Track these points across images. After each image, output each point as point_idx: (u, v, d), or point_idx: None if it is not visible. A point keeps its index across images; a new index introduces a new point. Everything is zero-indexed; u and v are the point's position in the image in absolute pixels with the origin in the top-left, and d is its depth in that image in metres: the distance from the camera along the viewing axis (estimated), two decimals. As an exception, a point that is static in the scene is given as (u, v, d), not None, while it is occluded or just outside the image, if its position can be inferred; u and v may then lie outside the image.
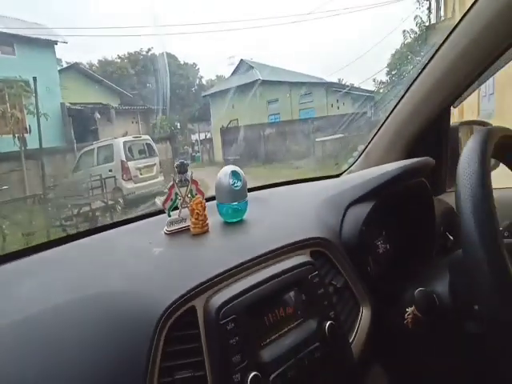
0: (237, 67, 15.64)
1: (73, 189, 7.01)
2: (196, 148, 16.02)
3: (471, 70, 0.91)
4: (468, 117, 4.62)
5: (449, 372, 0.67)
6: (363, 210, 0.77)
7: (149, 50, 21.07)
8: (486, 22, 0.81)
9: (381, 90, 12.46)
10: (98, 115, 9.87)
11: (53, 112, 8.67)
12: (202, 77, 24.77)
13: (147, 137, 8.43)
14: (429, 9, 10.90)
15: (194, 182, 0.76)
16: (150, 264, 0.62)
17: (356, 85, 14.22)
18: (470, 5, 0.84)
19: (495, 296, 0.42)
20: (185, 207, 0.75)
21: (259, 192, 1.08)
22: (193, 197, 0.76)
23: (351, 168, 1.18)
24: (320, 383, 0.58)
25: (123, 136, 8.09)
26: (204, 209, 0.73)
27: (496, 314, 0.43)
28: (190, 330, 0.49)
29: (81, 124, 9.71)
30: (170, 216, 0.74)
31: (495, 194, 0.47)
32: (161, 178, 7.96)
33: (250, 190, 1.00)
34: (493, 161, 0.66)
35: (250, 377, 0.47)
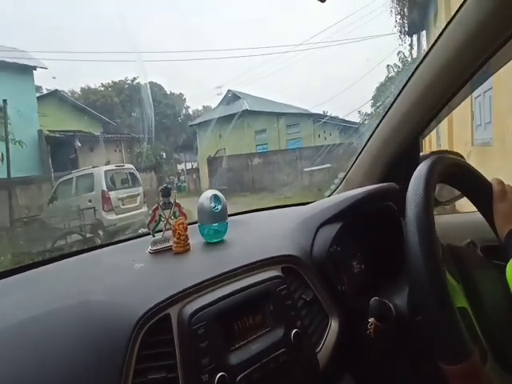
0: (224, 97, 15.68)
1: (47, 221, 6.43)
2: (182, 178, 15.71)
3: (434, 104, 0.95)
4: (460, 147, 4.54)
5: (411, 378, 0.70)
6: (331, 230, 0.83)
7: (134, 78, 21.20)
8: (447, 57, 0.85)
9: (366, 122, 12.65)
10: (78, 143, 9.41)
11: (29, 139, 8.17)
12: (188, 107, 25.01)
13: (130, 166, 7.98)
14: (410, 45, 11.28)
15: (177, 204, 0.81)
16: (129, 278, 0.67)
17: (341, 117, 14.43)
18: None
19: (432, 301, 0.46)
20: (168, 228, 0.79)
21: (240, 216, 1.17)
22: (176, 218, 0.80)
23: (333, 194, 1.24)
24: None
25: (106, 165, 7.65)
26: (186, 229, 0.77)
27: (431, 316, 0.47)
28: (165, 335, 0.54)
29: (60, 152, 9.18)
30: (154, 236, 0.79)
31: (461, 217, 0.72)
32: (145, 209, 7.45)
33: (233, 214, 1.11)
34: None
35: (217, 377, 0.51)
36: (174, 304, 0.56)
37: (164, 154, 16.69)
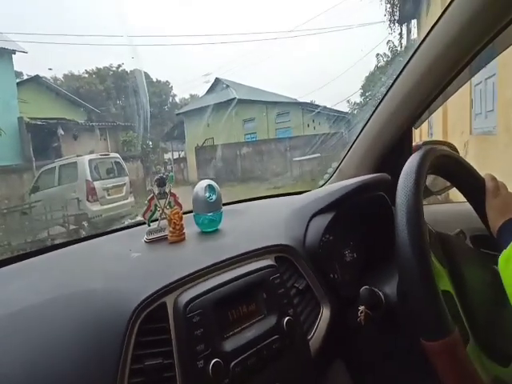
0: (212, 85, 15.40)
1: (29, 212, 6.21)
2: (169, 167, 15.46)
3: (426, 96, 0.95)
4: (455, 136, 4.50)
5: (401, 366, 0.71)
6: (324, 220, 0.84)
7: (119, 65, 20.64)
8: (440, 47, 0.85)
9: (355, 111, 12.61)
10: (61, 131, 9.09)
11: (9, 127, 7.84)
12: (175, 95, 24.56)
13: (116, 155, 7.74)
14: (400, 34, 11.21)
15: (173, 194, 0.81)
16: (127, 266, 0.68)
17: (329, 106, 14.36)
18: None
19: (415, 276, 0.48)
20: (163, 218, 0.80)
21: (235, 205, 1.17)
22: (171, 208, 0.81)
23: (326, 184, 1.24)
24: (277, 372, 0.62)
25: (90, 154, 7.40)
26: (181, 219, 0.79)
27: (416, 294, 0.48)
28: (161, 323, 0.55)
29: (41, 140, 8.85)
30: (149, 226, 0.80)
31: (452, 206, 0.76)
32: (131, 199, 7.29)
33: (227, 203, 1.11)
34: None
35: (212, 363, 0.53)
36: (170, 293, 0.58)
37: (150, 143, 16.40)
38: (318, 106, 13.85)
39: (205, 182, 0.84)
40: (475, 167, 0.73)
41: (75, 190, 6.41)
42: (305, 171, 10.84)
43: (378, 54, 11.37)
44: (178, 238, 0.78)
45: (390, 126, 1.05)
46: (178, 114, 16.84)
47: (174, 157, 15.54)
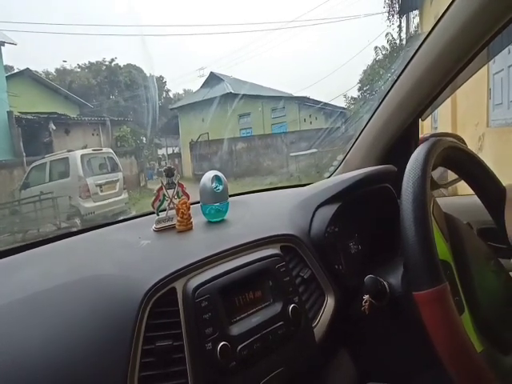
0: (206, 80, 15.18)
1: (19, 209, 6.04)
2: (163, 163, 15.27)
3: (434, 86, 0.94)
4: (468, 128, 4.31)
5: (405, 356, 0.73)
6: (329, 211, 0.85)
7: (112, 60, 20.33)
8: (449, 38, 0.84)
9: (352, 106, 12.51)
10: (52, 126, 8.86)
11: (-3, 121, 7.64)
12: (169, 90, 24.29)
13: (109, 150, 7.57)
14: (399, 26, 11.10)
15: (180, 184, 0.84)
16: (137, 253, 0.70)
17: (326, 101, 14.22)
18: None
19: (422, 272, 0.48)
20: (172, 208, 0.82)
21: (241, 196, 1.18)
22: (179, 198, 0.83)
23: (332, 176, 1.24)
24: (282, 357, 0.64)
25: (83, 149, 7.21)
26: (188, 208, 0.81)
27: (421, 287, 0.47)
28: (171, 307, 0.57)
29: (32, 135, 8.62)
30: (158, 215, 0.82)
31: (459, 199, 0.73)
32: (125, 196, 7.14)
33: (233, 195, 1.13)
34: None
35: (220, 346, 0.55)
36: (179, 278, 0.60)
37: (144, 139, 16.21)
38: (314, 100, 13.70)
39: (212, 173, 0.85)
40: (494, 162, 0.70)
41: (66, 186, 6.25)
42: (302, 166, 10.74)
43: (376, 47, 11.24)
44: (186, 227, 0.80)
45: (397, 117, 1.04)
46: (172, 109, 16.62)
47: (169, 152, 15.35)
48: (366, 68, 11.84)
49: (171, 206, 0.82)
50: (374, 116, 1.10)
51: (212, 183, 0.83)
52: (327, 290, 0.78)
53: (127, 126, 11.69)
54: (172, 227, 0.81)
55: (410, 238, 0.49)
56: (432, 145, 0.59)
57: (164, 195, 0.82)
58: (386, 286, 0.66)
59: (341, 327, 0.77)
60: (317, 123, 13.28)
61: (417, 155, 0.57)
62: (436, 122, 6.33)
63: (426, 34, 0.91)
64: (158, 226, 0.81)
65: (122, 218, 0.99)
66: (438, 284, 0.46)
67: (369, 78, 11.46)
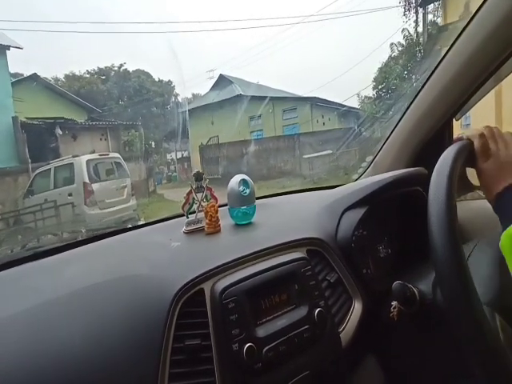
0: (216, 82, 14.92)
1: (23, 218, 5.74)
2: (172, 167, 15.02)
3: (470, 84, 0.90)
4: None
5: (436, 365, 0.70)
6: (356, 214, 0.84)
7: (121, 65, 20.35)
8: (486, 34, 0.80)
9: (365, 106, 12.03)
10: (59, 131, 8.61)
11: (2, 127, 7.38)
12: (177, 94, 24.25)
13: (116, 154, 7.24)
14: (416, 21, 10.62)
15: (209, 188, 0.86)
16: (168, 254, 0.73)
17: (339, 102, 13.79)
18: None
19: (454, 285, 0.47)
20: (201, 210, 0.84)
21: (268, 199, 1.20)
22: (207, 201, 0.85)
23: (360, 178, 1.21)
24: (308, 360, 0.64)
25: (90, 154, 6.90)
26: (216, 211, 0.82)
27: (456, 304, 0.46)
28: (199, 307, 0.59)
29: (38, 141, 8.36)
30: (188, 217, 0.84)
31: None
32: (133, 202, 6.79)
33: (260, 197, 1.11)
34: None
35: (246, 347, 0.56)
36: (208, 280, 0.61)
37: (153, 143, 16.08)
38: (327, 100, 13.25)
39: (239, 177, 0.86)
40: None
41: (72, 193, 5.93)
42: (317, 169, 10.33)
43: (392, 44, 10.75)
44: (214, 229, 0.82)
45: (429, 117, 1.01)
46: (181, 112, 16.38)
47: (178, 156, 15.08)
48: (381, 66, 11.33)
49: (200, 208, 0.84)
50: (404, 117, 1.06)
51: (239, 187, 0.85)
52: (354, 295, 0.78)
53: (136, 130, 11.42)
54: (201, 229, 0.83)
55: (438, 246, 0.49)
56: (460, 148, 0.58)
57: (193, 198, 0.84)
58: (416, 292, 0.64)
59: (368, 333, 0.76)
60: (330, 124, 12.85)
61: (444, 158, 0.56)
62: (467, 119, 5.86)
63: (456, 27, 0.86)
64: (187, 229, 0.83)
65: (152, 220, 1.03)
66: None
67: (384, 76, 10.95)
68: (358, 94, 12.34)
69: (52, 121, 8.71)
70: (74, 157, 6.25)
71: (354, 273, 0.79)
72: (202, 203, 0.83)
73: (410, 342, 0.74)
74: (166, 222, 0.98)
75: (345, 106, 12.81)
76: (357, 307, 0.75)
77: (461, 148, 0.57)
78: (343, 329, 0.71)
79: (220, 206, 0.84)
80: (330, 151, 10.53)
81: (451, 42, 0.87)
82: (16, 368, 0.49)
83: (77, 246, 0.83)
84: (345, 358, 0.71)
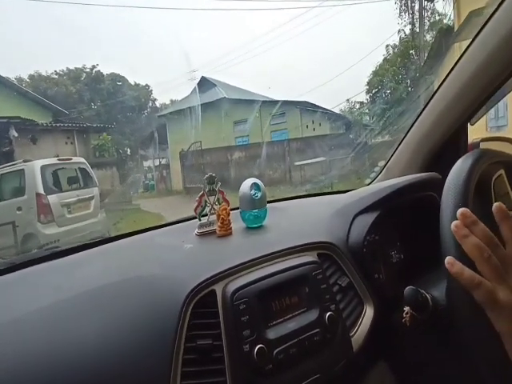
0: (198, 85, 13.88)
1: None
2: (149, 175, 13.80)
3: (486, 87, 0.88)
4: None
5: (448, 372, 0.69)
6: (368, 219, 0.84)
7: (93, 66, 19.08)
8: (502, 36, 0.78)
9: (355, 111, 11.42)
10: (14, 133, 7.30)
11: None
12: (155, 99, 23.13)
13: (81, 159, 6.06)
14: (411, 22, 10.11)
15: (221, 191, 0.86)
16: (180, 256, 0.74)
17: (329, 108, 13.12)
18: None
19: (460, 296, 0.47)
20: (213, 213, 0.85)
21: (279, 203, 1.19)
22: (219, 204, 0.85)
23: (373, 182, 1.20)
24: (318, 364, 0.63)
25: (48, 159, 5.68)
26: (228, 214, 0.83)
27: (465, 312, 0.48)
28: (211, 308, 0.59)
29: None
30: (200, 220, 0.84)
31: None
32: (101, 217, 5.63)
33: (271, 201, 1.15)
34: None
35: (257, 348, 0.56)
36: (219, 281, 0.61)
37: (128, 150, 14.84)
38: (317, 105, 12.51)
39: (250, 181, 0.86)
40: None
41: (21, 206, 4.72)
42: (308, 177, 9.50)
43: (387, 46, 10.20)
44: (226, 232, 0.82)
45: (443, 122, 0.99)
46: (159, 116, 15.23)
47: (156, 164, 13.87)
48: (374, 69, 10.73)
49: (212, 211, 0.84)
50: (417, 121, 1.04)
51: (251, 190, 0.85)
52: (366, 299, 0.77)
53: (108, 134, 10.20)
54: (213, 232, 0.84)
55: (450, 254, 0.48)
56: (477, 156, 0.57)
57: (205, 201, 0.84)
58: (429, 298, 0.63)
59: (380, 338, 0.75)
60: (321, 129, 12.09)
61: (460, 165, 0.56)
62: (498, 120, 5.13)
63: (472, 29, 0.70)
64: (200, 231, 0.83)
65: (165, 222, 1.03)
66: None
67: (380, 79, 10.33)
68: (348, 100, 11.73)
69: (5, 120, 7.39)
70: (25, 161, 5.02)
71: (365, 277, 0.78)
72: (215, 206, 0.84)
73: (422, 349, 0.72)
74: (178, 225, 1.00)
75: (335, 112, 12.13)
76: (368, 312, 0.75)
77: (478, 156, 0.58)
78: (354, 333, 0.70)
79: (232, 209, 0.85)
80: (322, 158, 9.83)
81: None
82: (31, 365, 0.49)
83: (92, 247, 0.84)
84: (356, 363, 0.70)
